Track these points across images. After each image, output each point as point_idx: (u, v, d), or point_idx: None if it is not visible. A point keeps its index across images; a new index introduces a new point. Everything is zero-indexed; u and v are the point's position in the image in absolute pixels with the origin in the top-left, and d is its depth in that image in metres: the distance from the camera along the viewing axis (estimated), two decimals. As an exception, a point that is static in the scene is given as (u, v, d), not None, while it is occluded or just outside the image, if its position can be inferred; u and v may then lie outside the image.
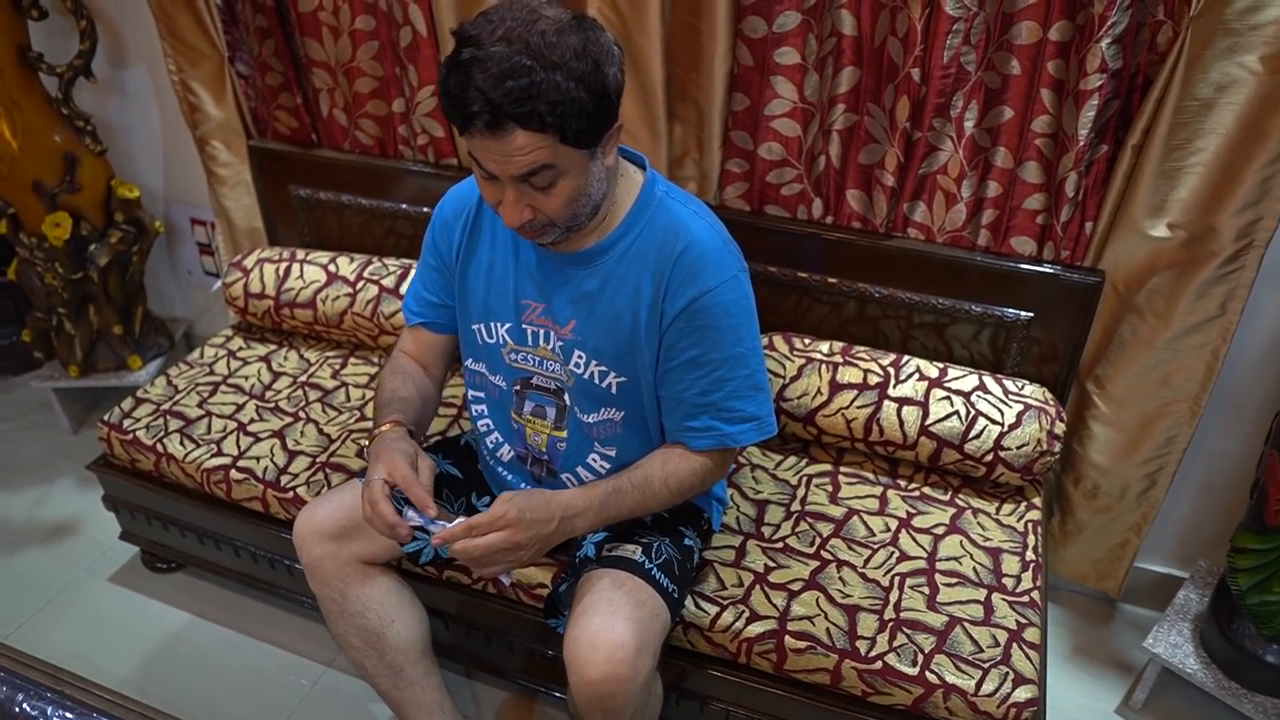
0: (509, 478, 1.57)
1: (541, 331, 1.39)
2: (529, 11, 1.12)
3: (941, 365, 1.77)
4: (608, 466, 1.46)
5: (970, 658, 1.44)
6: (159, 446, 1.93)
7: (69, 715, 1.26)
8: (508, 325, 1.42)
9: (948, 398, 1.72)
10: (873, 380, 1.76)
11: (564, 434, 1.46)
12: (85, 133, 2.28)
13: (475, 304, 1.45)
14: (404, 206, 2.19)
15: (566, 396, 1.43)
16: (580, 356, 1.37)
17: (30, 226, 2.29)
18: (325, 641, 2.00)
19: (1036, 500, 1.76)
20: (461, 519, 1.27)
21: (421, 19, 1.90)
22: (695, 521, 1.56)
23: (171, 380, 2.13)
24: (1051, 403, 1.71)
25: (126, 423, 1.99)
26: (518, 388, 1.46)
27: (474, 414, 1.57)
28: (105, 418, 2.01)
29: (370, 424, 1.85)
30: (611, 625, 1.28)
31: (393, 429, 1.39)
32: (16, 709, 1.27)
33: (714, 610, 1.53)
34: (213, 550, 2.03)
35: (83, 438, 2.65)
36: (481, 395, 1.53)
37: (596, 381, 1.38)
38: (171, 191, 2.60)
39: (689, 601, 1.54)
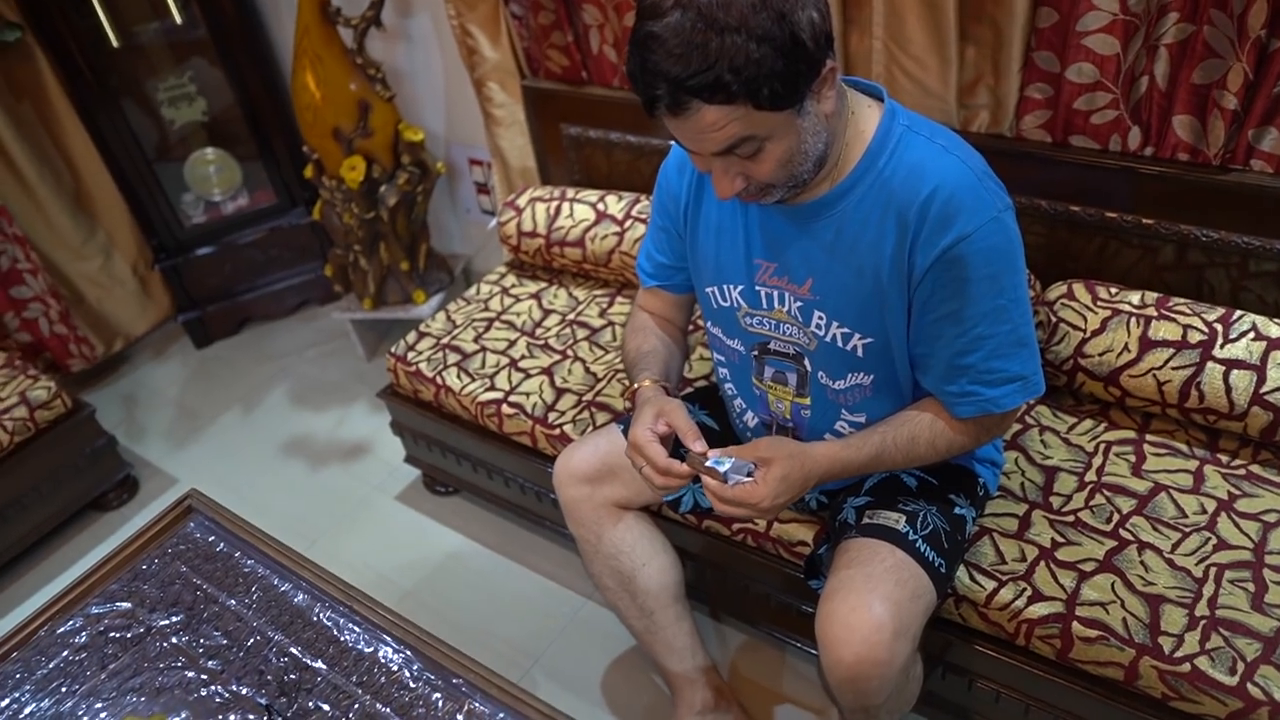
0: None
1: (776, 293, 1.29)
2: None
3: (1286, 323, 1.49)
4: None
5: (1308, 673, 1.23)
6: (439, 379, 2.04)
7: (357, 629, 1.37)
8: (740, 288, 1.33)
9: (1292, 362, 1.45)
10: (1194, 338, 1.51)
11: (807, 400, 1.36)
12: (376, 80, 2.42)
13: (706, 266, 1.37)
14: (672, 143, 2.14)
15: (807, 362, 1.32)
16: (821, 318, 1.26)
17: (330, 170, 2.48)
18: (586, 574, 2.06)
19: (1404, 490, 1.46)
20: (725, 466, 1.21)
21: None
22: (968, 488, 1.42)
23: (450, 315, 2.24)
24: None
25: (410, 355, 2.13)
26: (756, 353, 1.38)
27: (719, 376, 1.52)
28: (392, 350, 2.16)
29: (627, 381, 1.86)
30: (868, 604, 1.19)
31: (652, 385, 1.37)
32: (315, 617, 1.40)
33: (991, 585, 1.40)
34: (485, 479, 2.14)
35: (375, 365, 2.88)
36: (722, 359, 1.47)
37: (841, 345, 1.27)
38: (452, 133, 2.72)
39: (962, 572, 1.42)
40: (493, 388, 1.98)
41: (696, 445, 1.24)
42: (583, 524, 1.58)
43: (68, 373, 2.85)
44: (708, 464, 1.21)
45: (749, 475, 1.20)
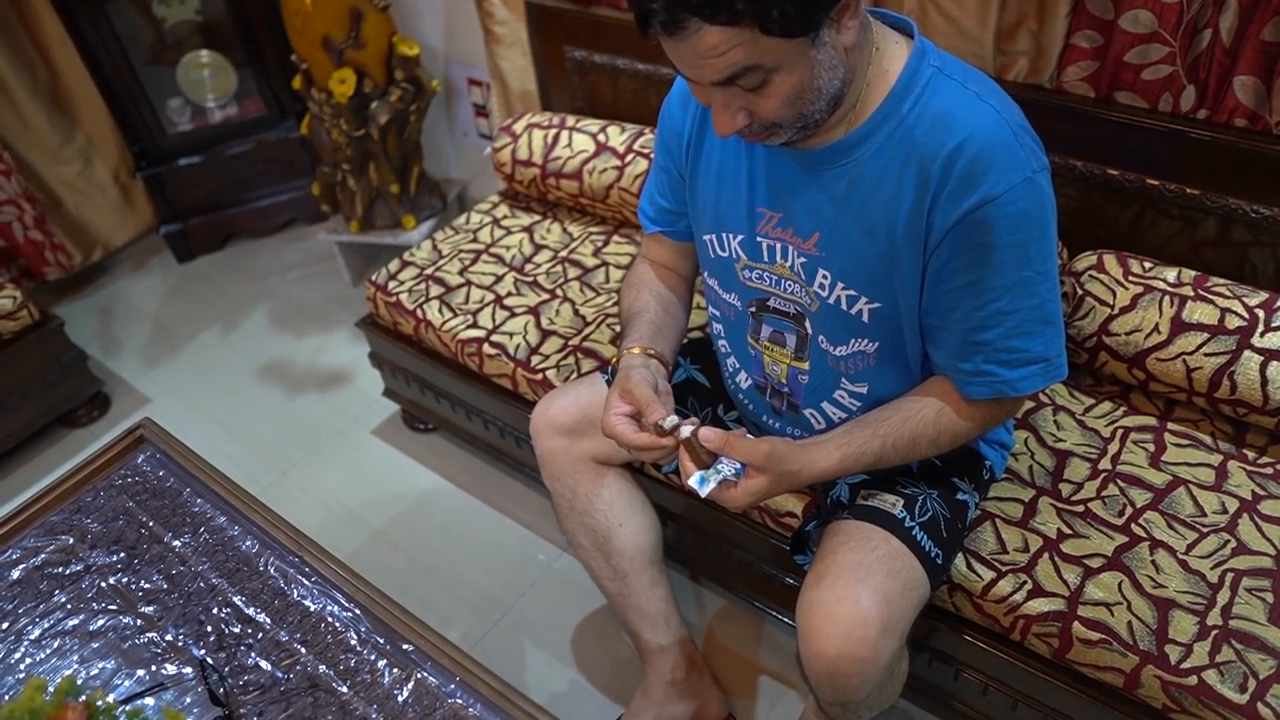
0: (749, 405, 1.39)
1: (779, 245, 1.16)
2: None
3: (1334, 314, 1.37)
4: (858, 405, 1.24)
5: (1325, 695, 1.13)
6: (419, 312, 1.93)
7: (306, 581, 1.28)
8: (740, 237, 1.20)
9: (1337, 356, 1.33)
10: (1232, 323, 1.39)
11: (805, 365, 1.25)
12: (370, -14, 2.25)
13: (706, 211, 1.24)
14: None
15: (808, 323, 1.20)
16: (825, 277, 1.13)
17: (320, 83, 2.33)
18: (562, 526, 1.98)
19: None
20: (707, 488, 1.10)
21: None
22: (973, 471, 1.31)
23: (437, 245, 2.11)
24: None
25: (391, 285, 2.01)
26: (753, 309, 1.26)
27: (712, 332, 1.39)
28: (373, 278, 2.04)
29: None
30: (855, 596, 1.09)
31: (641, 355, 1.25)
32: (262, 566, 1.31)
33: (989, 575, 1.30)
34: (464, 419, 2.04)
35: (360, 291, 2.76)
36: (718, 314, 1.34)
37: (845, 308, 1.14)
38: (450, 50, 2.56)
39: (959, 558, 1.32)
40: (475, 325, 1.87)
41: (653, 415, 1.12)
42: (558, 478, 1.48)
43: (43, 281, 2.74)
44: (689, 483, 1.11)
45: (735, 474, 1.10)
